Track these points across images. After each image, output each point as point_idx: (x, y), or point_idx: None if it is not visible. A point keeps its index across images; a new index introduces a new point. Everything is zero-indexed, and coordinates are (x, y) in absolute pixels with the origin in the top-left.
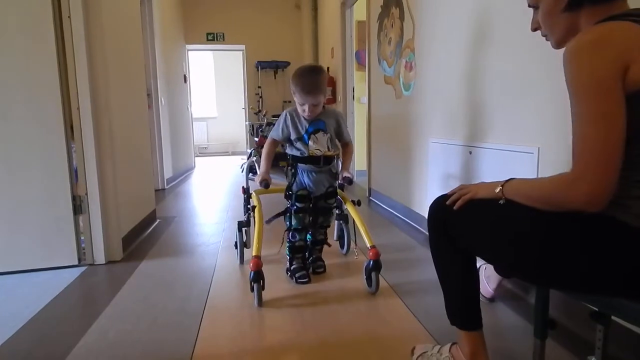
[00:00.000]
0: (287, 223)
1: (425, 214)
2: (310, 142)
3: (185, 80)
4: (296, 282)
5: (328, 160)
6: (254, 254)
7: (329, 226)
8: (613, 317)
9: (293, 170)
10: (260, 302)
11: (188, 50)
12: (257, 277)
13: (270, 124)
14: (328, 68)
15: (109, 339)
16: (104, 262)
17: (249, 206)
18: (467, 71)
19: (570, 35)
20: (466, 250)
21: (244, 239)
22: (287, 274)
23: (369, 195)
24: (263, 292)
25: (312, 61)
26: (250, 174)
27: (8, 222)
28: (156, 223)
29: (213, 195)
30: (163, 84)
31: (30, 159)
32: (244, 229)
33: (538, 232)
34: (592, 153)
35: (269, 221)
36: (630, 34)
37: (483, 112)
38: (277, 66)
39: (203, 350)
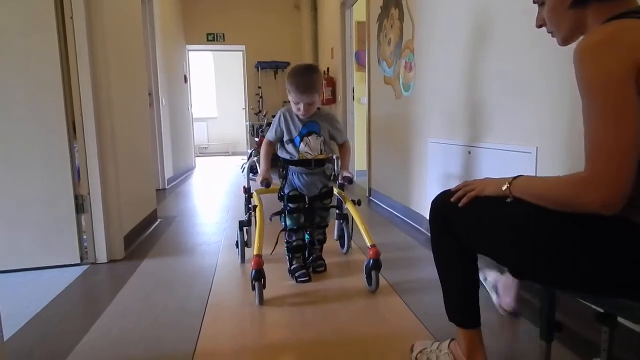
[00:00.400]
0: (283, 223)
1: (424, 213)
2: (302, 145)
3: (185, 81)
4: (296, 281)
5: (320, 162)
6: (255, 252)
7: (326, 226)
8: (619, 319)
9: (284, 172)
10: (261, 300)
11: (188, 50)
12: (259, 276)
13: (270, 124)
14: (328, 68)
15: (112, 336)
16: (105, 261)
17: (250, 205)
18: (466, 71)
19: (576, 32)
20: (469, 248)
21: (245, 238)
22: (289, 274)
23: (369, 195)
24: (264, 291)
25: (312, 61)
26: (251, 174)
27: (10, 221)
28: (157, 222)
29: (213, 195)
30: (164, 84)
31: (31, 159)
32: (244, 228)
33: (552, 234)
34: (608, 153)
35: (271, 217)
36: None
37: (482, 112)
38: (277, 66)
39: (205, 348)
